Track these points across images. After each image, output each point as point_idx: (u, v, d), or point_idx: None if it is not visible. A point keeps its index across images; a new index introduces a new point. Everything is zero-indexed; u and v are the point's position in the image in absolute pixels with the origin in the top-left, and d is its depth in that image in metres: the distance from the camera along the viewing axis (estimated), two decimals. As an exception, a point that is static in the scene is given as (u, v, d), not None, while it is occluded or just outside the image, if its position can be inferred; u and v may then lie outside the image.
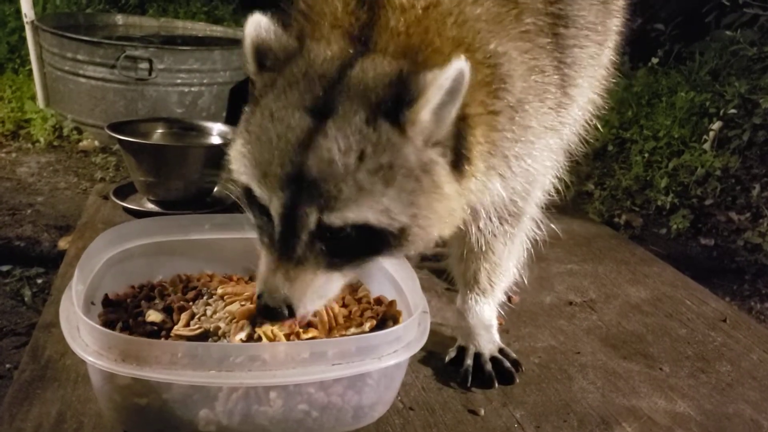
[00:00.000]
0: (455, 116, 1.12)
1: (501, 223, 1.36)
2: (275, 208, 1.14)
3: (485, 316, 1.42)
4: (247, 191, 1.19)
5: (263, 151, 1.15)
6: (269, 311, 1.15)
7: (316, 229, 1.12)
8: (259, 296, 1.16)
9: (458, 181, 1.17)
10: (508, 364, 1.37)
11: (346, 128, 1.09)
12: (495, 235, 1.37)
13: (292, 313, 1.15)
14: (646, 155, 4.26)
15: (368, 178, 1.09)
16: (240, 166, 1.19)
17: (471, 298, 1.42)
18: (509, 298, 1.66)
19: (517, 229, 1.39)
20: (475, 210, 1.31)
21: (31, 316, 2.58)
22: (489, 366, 1.36)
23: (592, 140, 1.68)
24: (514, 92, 1.24)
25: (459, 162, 1.17)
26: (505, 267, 1.43)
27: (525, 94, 1.25)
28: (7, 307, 2.70)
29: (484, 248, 1.38)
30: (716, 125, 4.27)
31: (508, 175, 1.29)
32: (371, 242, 1.14)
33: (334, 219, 1.10)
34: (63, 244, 3.05)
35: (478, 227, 1.35)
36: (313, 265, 1.14)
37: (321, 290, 1.16)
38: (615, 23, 1.58)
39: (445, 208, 1.16)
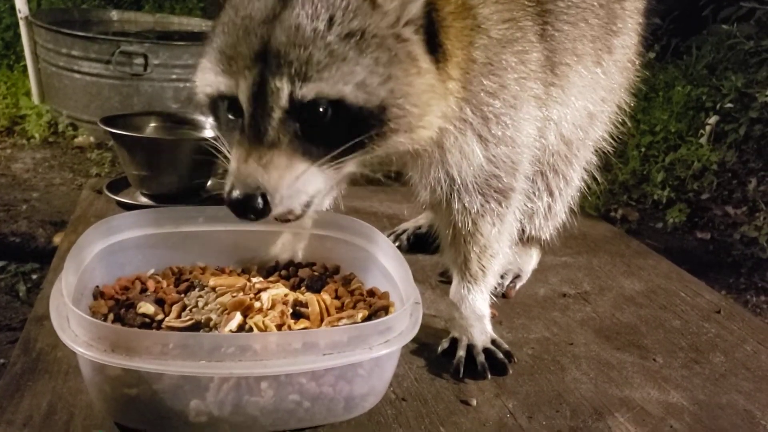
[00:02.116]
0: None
1: (487, 201, 1.34)
2: (243, 90, 1.10)
3: (478, 307, 1.42)
4: (212, 100, 1.16)
5: (228, 40, 1.11)
6: (240, 203, 1.07)
7: (288, 106, 1.07)
8: (230, 191, 1.08)
9: (436, 66, 1.16)
10: (500, 355, 1.37)
11: None
12: (482, 215, 1.36)
13: (267, 206, 1.07)
14: (643, 149, 4.26)
15: (340, 44, 1.06)
16: (203, 77, 1.16)
17: (463, 287, 1.42)
18: (505, 294, 1.66)
19: (505, 207, 1.37)
20: (455, 179, 1.30)
21: (26, 311, 2.58)
22: (481, 357, 1.35)
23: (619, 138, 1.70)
24: (488, 32, 1.25)
25: (435, 49, 1.16)
26: (495, 249, 1.41)
27: (500, 44, 1.26)
28: (2, 302, 2.70)
29: (471, 229, 1.37)
30: (713, 119, 4.27)
31: (488, 137, 1.27)
32: (349, 127, 1.09)
33: (307, 91, 1.06)
34: (58, 239, 3.05)
35: (463, 204, 1.33)
36: (288, 149, 1.08)
37: (299, 181, 1.09)
38: (627, 7, 1.57)
39: (424, 84, 1.13)
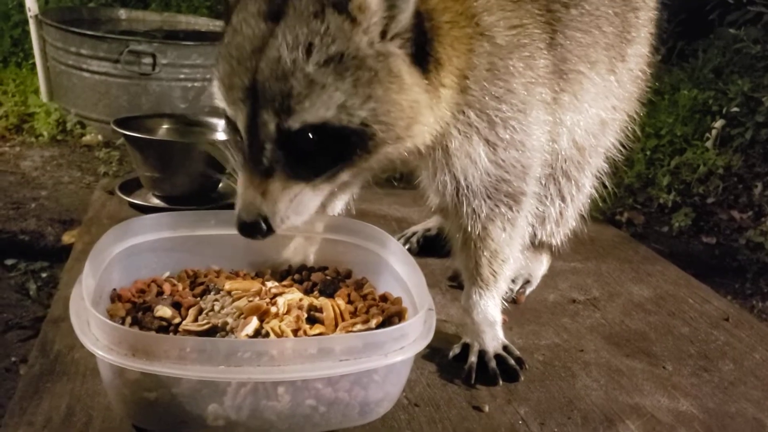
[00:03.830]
0: (414, 8, 1.13)
1: (497, 205, 1.35)
2: (240, 121, 1.16)
3: (489, 313, 1.43)
4: (225, 115, 1.22)
5: (227, 67, 1.17)
6: (246, 227, 1.19)
7: (277, 137, 1.13)
8: (238, 215, 1.19)
9: (424, 77, 1.17)
10: (512, 361, 1.38)
11: (295, 25, 1.10)
12: (492, 219, 1.36)
13: (270, 228, 1.18)
14: (649, 153, 4.27)
15: (318, 71, 1.09)
16: (216, 91, 1.22)
17: (475, 293, 1.43)
18: (515, 299, 1.67)
19: (516, 211, 1.38)
20: (462, 183, 1.31)
21: (36, 309, 2.61)
22: (493, 363, 1.37)
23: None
24: (494, 39, 1.25)
25: (424, 59, 1.17)
26: (506, 254, 1.41)
27: (507, 50, 1.27)
28: (12, 300, 2.72)
29: (481, 234, 1.38)
30: (719, 123, 4.28)
31: (496, 141, 1.29)
32: (336, 146, 1.14)
33: (292, 122, 1.11)
34: (67, 238, 3.07)
35: (473, 209, 1.34)
36: (282, 175, 1.16)
37: (295, 203, 1.18)
38: (641, 16, 1.59)
39: (406, 100, 1.15)
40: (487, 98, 1.27)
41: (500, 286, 1.45)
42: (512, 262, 1.45)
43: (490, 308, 1.43)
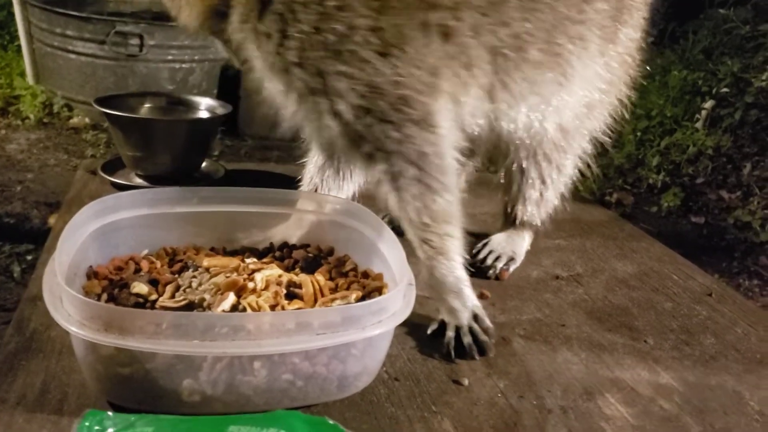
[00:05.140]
0: None
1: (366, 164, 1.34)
2: None
3: (449, 281, 1.37)
4: None
5: None
6: None
7: None
8: None
9: None
10: (482, 336, 1.34)
11: None
12: (379, 182, 1.35)
13: None
14: (639, 134, 4.26)
15: None
16: None
17: (433, 263, 1.37)
18: (498, 276, 1.67)
19: (393, 173, 1.34)
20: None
21: (20, 292, 2.58)
22: (468, 338, 1.33)
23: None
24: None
25: None
26: (410, 215, 1.36)
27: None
28: (-4, 282, 2.70)
29: (389, 201, 1.35)
30: (708, 104, 4.27)
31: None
32: None
33: None
34: (53, 220, 3.05)
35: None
36: None
37: None
38: None
39: None
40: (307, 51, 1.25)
41: (447, 247, 1.36)
42: (414, 217, 1.36)
43: (446, 275, 1.36)
